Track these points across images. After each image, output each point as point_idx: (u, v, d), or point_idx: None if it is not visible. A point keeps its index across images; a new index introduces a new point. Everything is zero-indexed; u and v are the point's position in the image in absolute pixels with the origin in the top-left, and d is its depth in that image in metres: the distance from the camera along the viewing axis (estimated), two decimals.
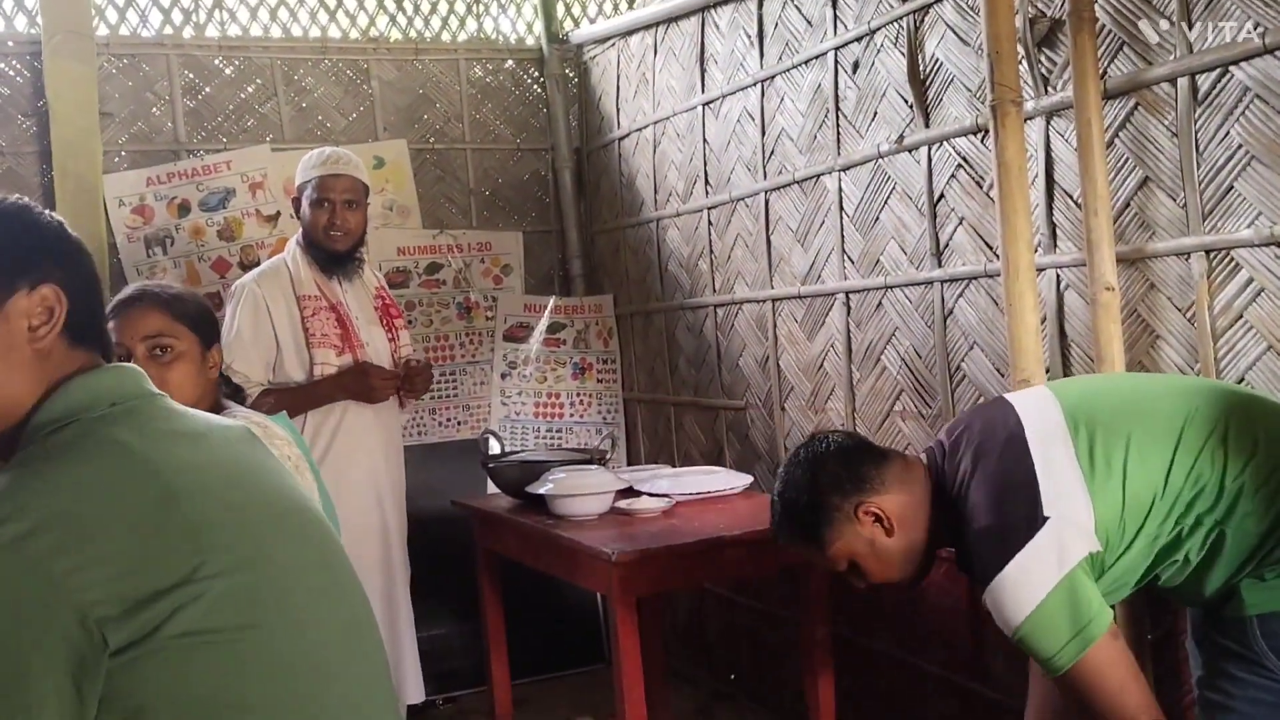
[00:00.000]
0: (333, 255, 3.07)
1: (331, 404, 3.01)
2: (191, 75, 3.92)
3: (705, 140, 3.53)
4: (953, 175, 2.55)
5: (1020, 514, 1.66)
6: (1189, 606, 1.80)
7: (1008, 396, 1.88)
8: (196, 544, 1.00)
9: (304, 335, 3.00)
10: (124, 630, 0.94)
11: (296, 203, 3.10)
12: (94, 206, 3.64)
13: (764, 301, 3.30)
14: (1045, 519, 1.63)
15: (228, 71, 3.98)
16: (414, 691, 3.13)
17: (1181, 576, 1.67)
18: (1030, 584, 1.61)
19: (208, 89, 3.95)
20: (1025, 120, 2.23)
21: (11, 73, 3.69)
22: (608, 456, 3.04)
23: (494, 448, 3.32)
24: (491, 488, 3.31)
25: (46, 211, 1.15)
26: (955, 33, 2.50)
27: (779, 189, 3.17)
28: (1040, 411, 1.75)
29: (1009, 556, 1.63)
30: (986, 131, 2.37)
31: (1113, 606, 1.68)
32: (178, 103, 3.88)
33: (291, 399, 2.91)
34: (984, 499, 1.72)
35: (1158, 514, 1.63)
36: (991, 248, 2.44)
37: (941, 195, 2.59)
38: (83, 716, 0.95)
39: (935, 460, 1.86)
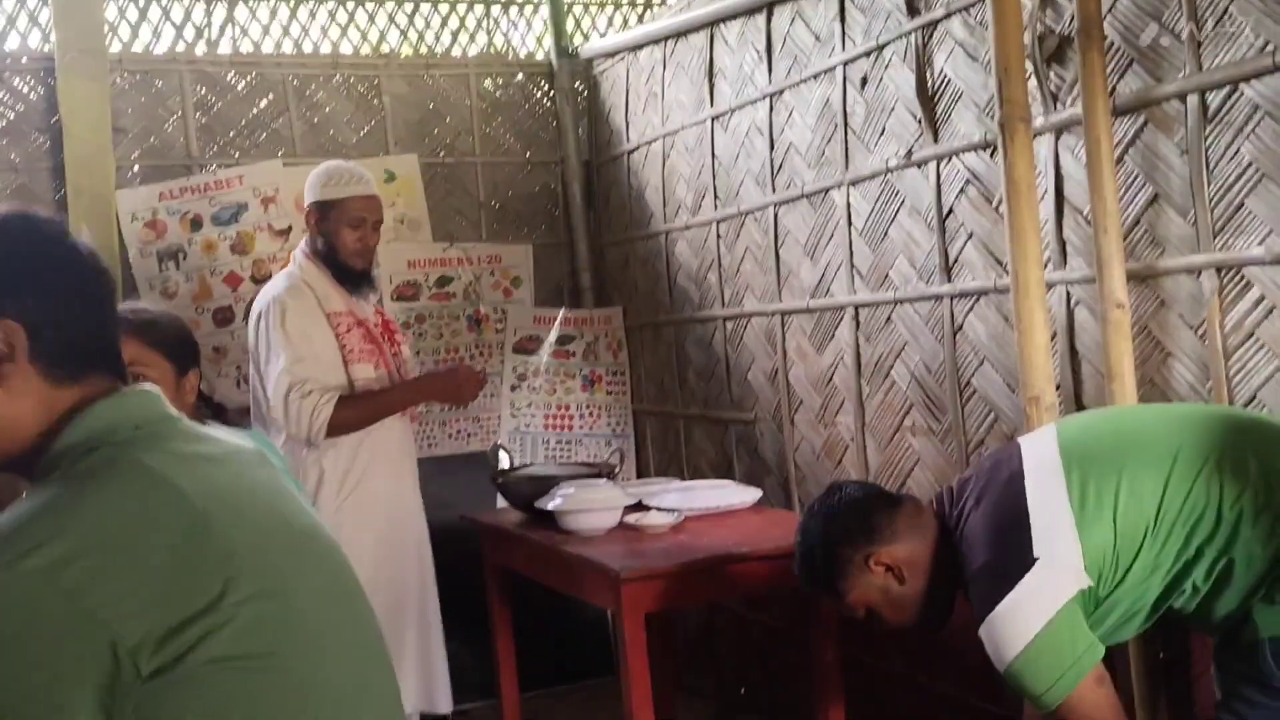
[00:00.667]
0: (356, 274, 3.03)
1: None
2: (204, 91, 3.95)
3: (714, 154, 3.53)
4: (961, 191, 2.55)
5: (1011, 554, 1.69)
6: (1207, 634, 1.80)
7: (1020, 438, 1.91)
8: (226, 570, 1.00)
9: (340, 352, 2.93)
10: (155, 658, 0.94)
11: (315, 218, 3.02)
12: (107, 222, 3.66)
13: (773, 315, 3.30)
14: (1035, 559, 1.66)
15: (240, 87, 4.00)
16: (444, 702, 3.09)
17: (1193, 604, 1.68)
18: (1020, 622, 1.65)
19: (220, 104, 3.97)
20: (1034, 136, 2.22)
21: (25, 89, 3.72)
22: (616, 470, 3.03)
23: (504, 461, 3.32)
24: (501, 501, 3.31)
25: (38, 228, 1.11)
26: (964, 49, 2.50)
27: (787, 203, 3.17)
28: (1040, 451, 1.79)
29: (1001, 595, 1.67)
30: (995, 147, 2.36)
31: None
32: (190, 118, 3.91)
33: (374, 407, 2.91)
34: (979, 538, 1.76)
35: (1153, 545, 1.66)
36: (1001, 263, 2.43)
37: (950, 210, 2.58)
38: None
39: (943, 505, 1.91)
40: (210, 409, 2.09)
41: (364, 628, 1.18)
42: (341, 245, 2.98)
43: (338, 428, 2.83)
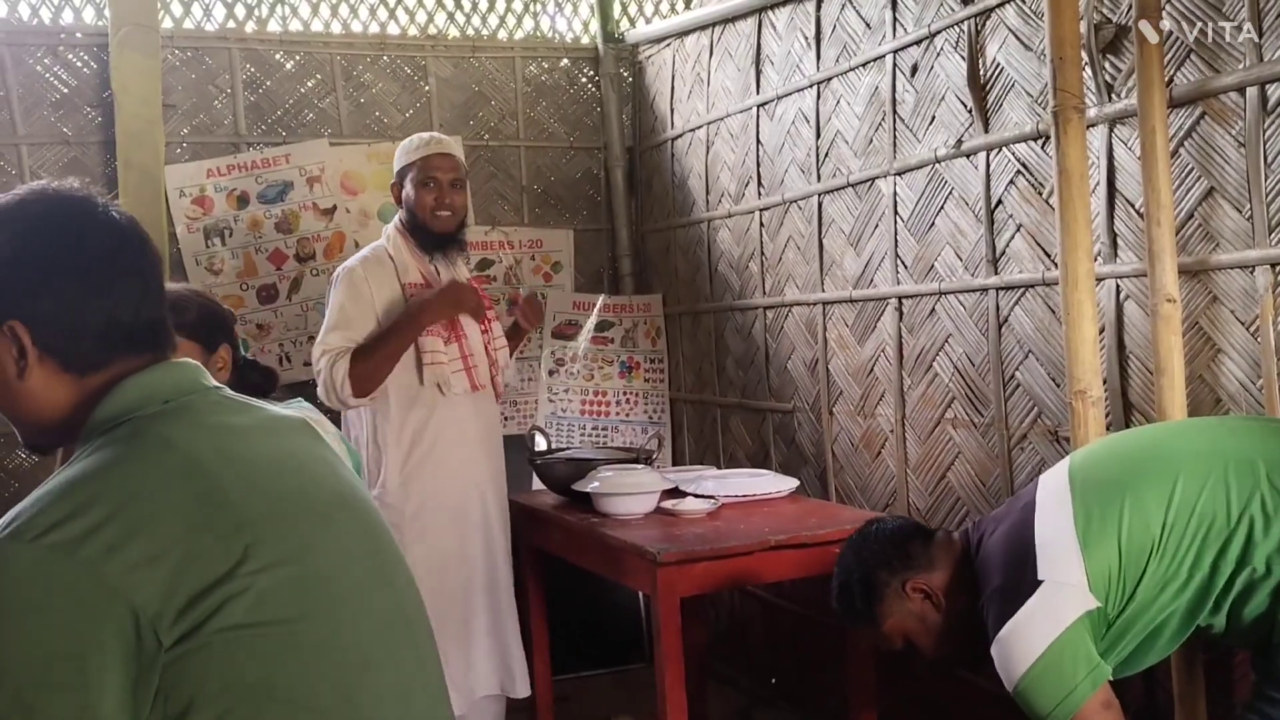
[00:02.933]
0: (438, 237, 2.97)
1: (423, 400, 2.91)
2: (253, 69, 3.98)
3: (759, 141, 3.52)
4: (1011, 181, 2.52)
5: (1017, 577, 1.74)
6: (1245, 648, 1.80)
7: (1043, 473, 1.94)
8: (243, 539, 1.01)
9: None
10: (176, 627, 0.96)
11: (397, 190, 3.01)
12: (156, 196, 3.71)
13: (814, 304, 3.28)
14: (1039, 582, 1.70)
15: (288, 66, 4.04)
16: (521, 685, 3.01)
17: (1224, 621, 1.69)
18: (1027, 641, 1.69)
19: (268, 83, 4.01)
20: (1088, 127, 2.19)
21: (79, 64, 3.77)
22: (654, 456, 3.02)
23: (540, 444, 3.33)
24: (537, 484, 3.32)
25: (56, 214, 1.09)
26: (1017, 37, 2.47)
27: (832, 192, 3.16)
28: (1053, 480, 1.83)
29: (1007, 617, 1.71)
30: (1047, 138, 2.34)
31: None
32: (239, 96, 3.94)
33: (384, 342, 2.83)
34: (991, 564, 1.81)
35: (1159, 561, 1.67)
36: (1050, 256, 2.41)
37: (999, 201, 2.56)
38: (137, 713, 0.96)
39: (969, 537, 1.94)
40: (259, 374, 2.11)
41: (395, 591, 1.19)
42: (419, 206, 2.94)
43: (360, 379, 2.80)
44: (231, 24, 4.00)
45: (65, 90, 3.76)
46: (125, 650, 0.95)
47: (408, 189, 2.97)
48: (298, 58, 4.05)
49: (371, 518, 1.21)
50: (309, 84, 4.06)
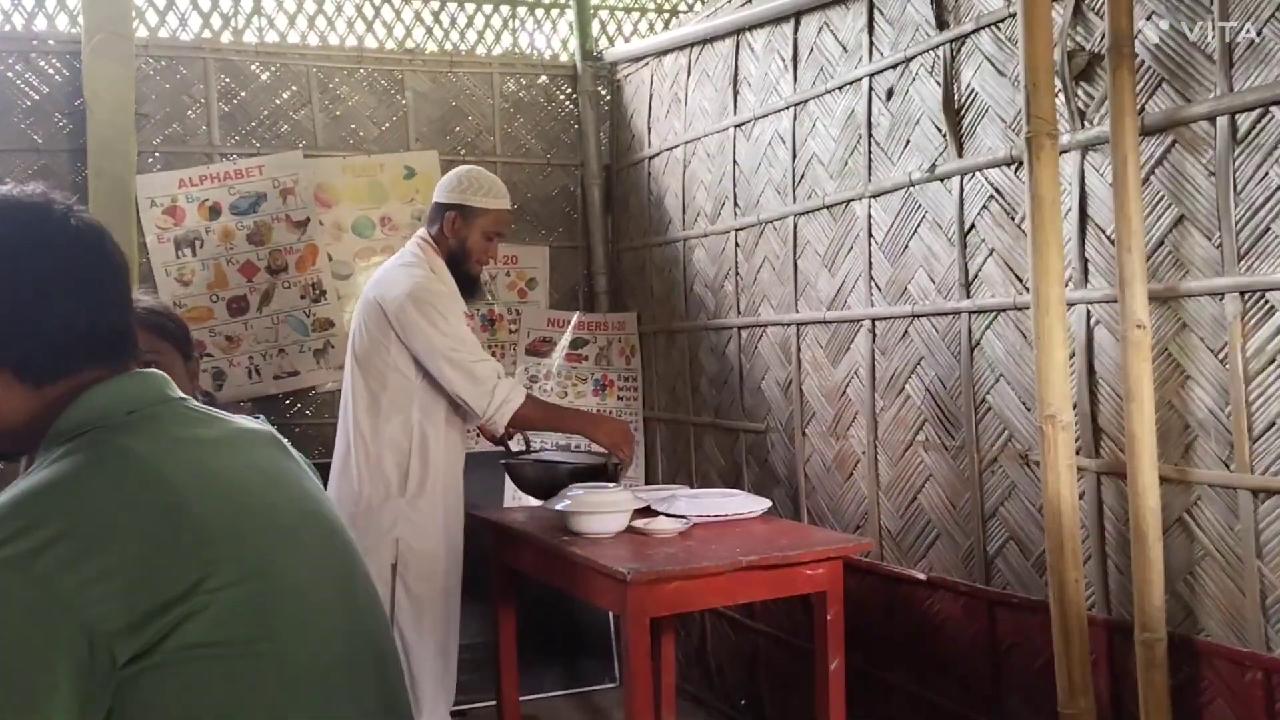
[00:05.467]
0: (473, 280, 3.00)
1: (435, 421, 2.92)
2: (228, 80, 3.96)
3: (735, 162, 3.53)
4: (984, 206, 2.53)
5: None
6: None
7: None
8: (204, 554, 0.99)
9: None
10: (131, 645, 0.93)
11: (456, 220, 2.94)
12: (126, 206, 3.67)
13: (789, 325, 3.28)
14: None
15: (264, 77, 4.01)
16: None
17: None
18: None
19: (243, 94, 3.98)
20: (1060, 154, 2.21)
21: (51, 71, 3.74)
22: (621, 467, 3.00)
23: (517, 444, 3.25)
24: (508, 496, 3.28)
25: (11, 220, 1.06)
26: (992, 63, 2.49)
27: (808, 213, 3.16)
28: None
29: None
30: (1020, 163, 2.35)
31: None
32: (213, 106, 3.92)
33: (552, 414, 3.02)
34: None
35: None
36: (1021, 280, 2.42)
37: (972, 226, 2.57)
38: None
39: None
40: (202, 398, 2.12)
41: (360, 611, 1.17)
42: (473, 250, 2.95)
43: (519, 419, 2.86)
44: (207, 34, 3.97)
45: (36, 97, 3.72)
46: (77, 669, 0.92)
47: (473, 234, 2.94)
48: (273, 69, 4.03)
49: (339, 534, 1.19)
50: (284, 95, 4.04)
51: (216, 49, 3.94)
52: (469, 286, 2.97)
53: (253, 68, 4.00)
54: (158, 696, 0.95)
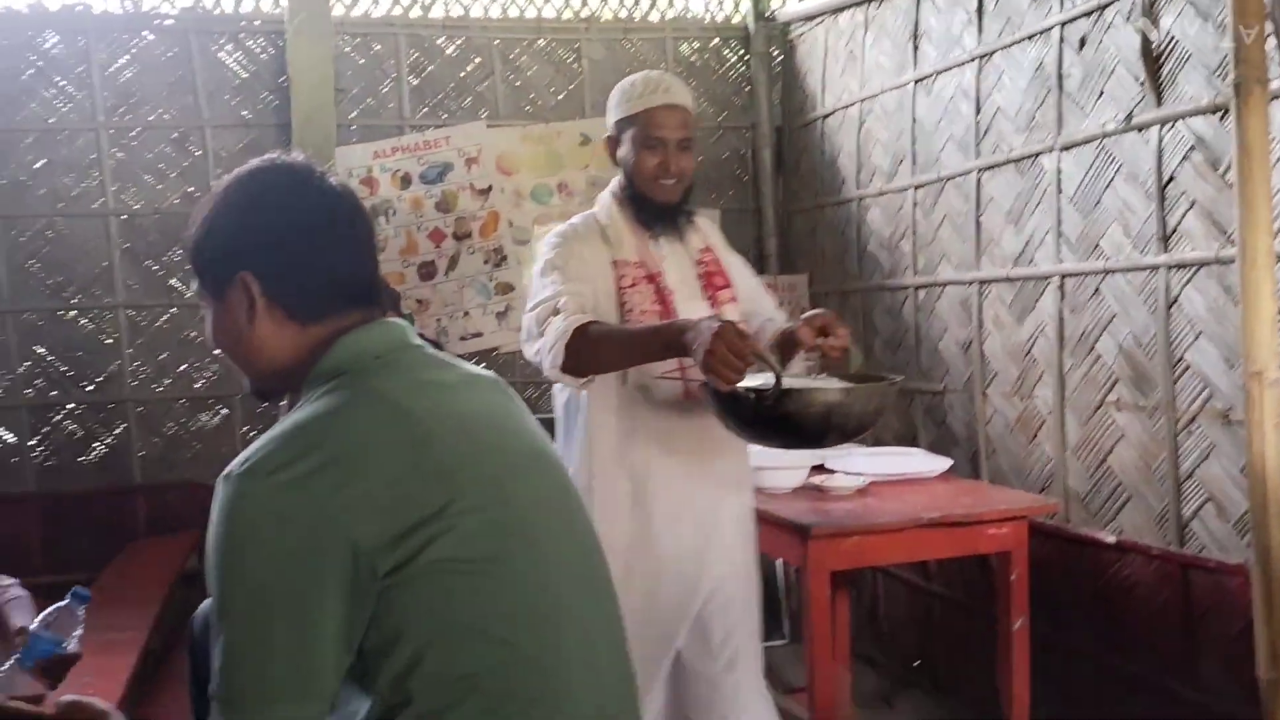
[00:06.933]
0: (660, 208, 2.34)
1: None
2: (416, 54, 4.14)
3: (914, 118, 3.48)
4: (1185, 157, 2.43)
5: None
6: None
7: None
8: (449, 482, 1.10)
9: (619, 309, 2.28)
10: (389, 559, 1.05)
11: (611, 145, 2.37)
12: None
13: (970, 284, 3.23)
14: None
15: (449, 50, 4.18)
16: None
17: None
18: None
19: (431, 67, 4.16)
20: (1271, 99, 2.10)
21: (258, 50, 4.00)
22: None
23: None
24: None
25: (282, 180, 1.21)
26: (1194, 7, 2.38)
27: (992, 168, 3.10)
28: None
29: None
30: (1226, 111, 2.25)
31: None
32: (404, 80, 4.11)
33: (619, 341, 2.15)
34: None
35: None
36: (1225, 233, 2.32)
37: (1172, 177, 2.47)
38: (351, 638, 1.06)
39: None
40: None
41: (583, 542, 1.26)
42: (639, 171, 2.30)
43: (574, 355, 2.08)
44: (397, 10, 4.16)
45: (245, 76, 3.99)
46: (344, 579, 1.04)
47: (625, 148, 2.33)
48: (459, 42, 4.19)
49: (560, 472, 1.28)
50: (468, 67, 4.20)
51: (407, 24, 4.13)
52: (654, 215, 2.34)
53: (439, 41, 4.17)
54: (410, 609, 1.06)
